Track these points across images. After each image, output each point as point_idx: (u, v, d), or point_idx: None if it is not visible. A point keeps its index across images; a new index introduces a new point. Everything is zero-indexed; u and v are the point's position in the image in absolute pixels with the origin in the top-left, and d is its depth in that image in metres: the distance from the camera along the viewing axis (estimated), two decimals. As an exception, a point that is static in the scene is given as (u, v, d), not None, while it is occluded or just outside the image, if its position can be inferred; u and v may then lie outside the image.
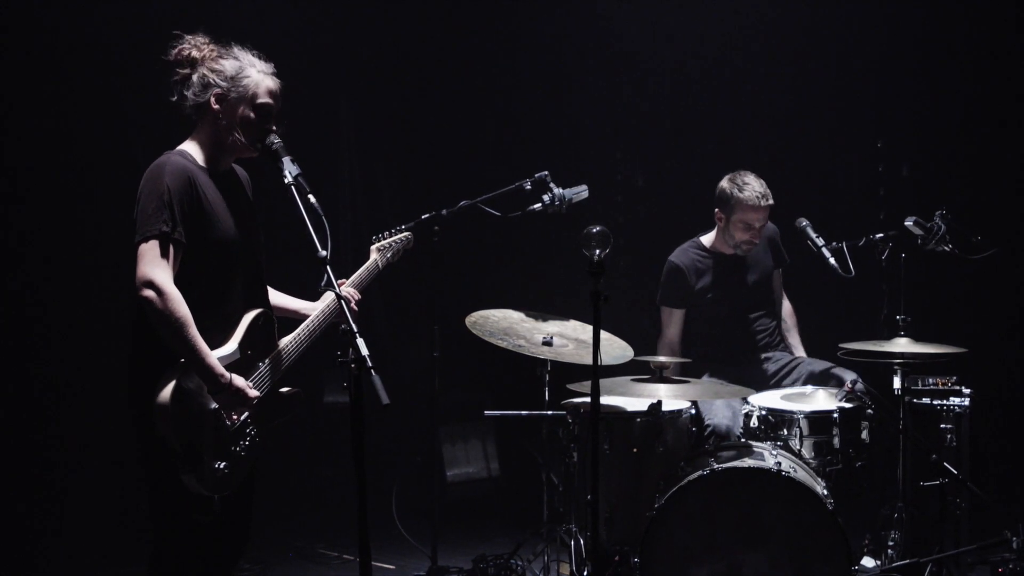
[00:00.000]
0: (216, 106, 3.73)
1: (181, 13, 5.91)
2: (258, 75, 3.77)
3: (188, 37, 3.78)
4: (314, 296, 4.01)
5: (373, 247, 4.42)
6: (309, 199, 3.61)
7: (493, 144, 7.31)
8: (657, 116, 7.20)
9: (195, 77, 3.73)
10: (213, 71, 3.73)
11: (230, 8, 6.32)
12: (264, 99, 3.77)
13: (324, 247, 3.51)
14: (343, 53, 7.19)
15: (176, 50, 3.77)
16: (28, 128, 5.97)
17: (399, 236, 4.52)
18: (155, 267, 3.50)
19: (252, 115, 3.75)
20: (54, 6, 5.96)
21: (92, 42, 6.01)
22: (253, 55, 3.83)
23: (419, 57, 7.33)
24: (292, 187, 3.64)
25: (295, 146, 3.79)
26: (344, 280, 4.11)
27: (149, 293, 3.48)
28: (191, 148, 3.76)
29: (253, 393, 3.66)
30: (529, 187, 5.20)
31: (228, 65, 3.75)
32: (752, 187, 5.50)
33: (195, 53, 3.75)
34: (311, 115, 6.85)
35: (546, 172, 5.21)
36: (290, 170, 3.67)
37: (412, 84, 7.35)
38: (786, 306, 5.91)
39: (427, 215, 5.18)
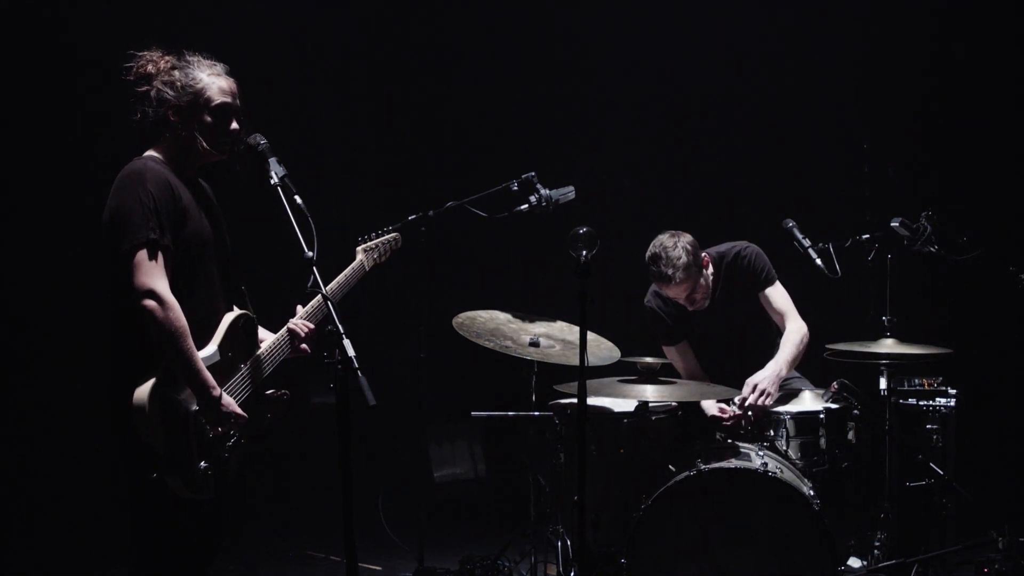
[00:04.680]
0: (174, 118, 3.72)
1: (173, 13, 5.94)
2: (208, 78, 3.75)
3: (144, 53, 3.77)
4: (294, 296, 4.00)
5: (359, 248, 4.40)
6: (295, 200, 3.62)
7: (480, 145, 7.31)
8: (644, 117, 7.21)
9: (152, 93, 3.73)
10: (165, 84, 3.71)
11: (219, 7, 6.31)
12: (219, 100, 3.74)
13: (310, 248, 3.53)
14: (329, 52, 7.18)
15: (133, 69, 3.76)
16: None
17: (386, 237, 4.50)
18: (153, 276, 3.49)
19: (209, 119, 3.73)
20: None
21: (86, 39, 5.99)
22: (204, 59, 3.80)
23: (406, 57, 7.33)
24: (278, 188, 3.65)
25: (280, 147, 3.79)
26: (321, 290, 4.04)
27: (150, 303, 3.48)
28: (159, 154, 3.74)
29: (240, 413, 3.65)
30: (516, 188, 5.19)
31: (178, 75, 3.73)
32: (659, 264, 5.05)
33: (150, 68, 3.74)
34: (297, 116, 6.84)
35: (533, 173, 5.21)
36: (276, 171, 3.69)
37: (400, 85, 7.34)
38: (791, 325, 5.25)
39: (414, 216, 5.17)
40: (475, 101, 7.37)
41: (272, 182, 3.67)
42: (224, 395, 3.61)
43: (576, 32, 7.26)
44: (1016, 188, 6.65)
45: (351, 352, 3.34)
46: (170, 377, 3.54)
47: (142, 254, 3.50)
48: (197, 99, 3.72)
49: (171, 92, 3.71)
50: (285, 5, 6.90)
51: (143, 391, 3.48)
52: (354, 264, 4.30)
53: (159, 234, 3.53)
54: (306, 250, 3.53)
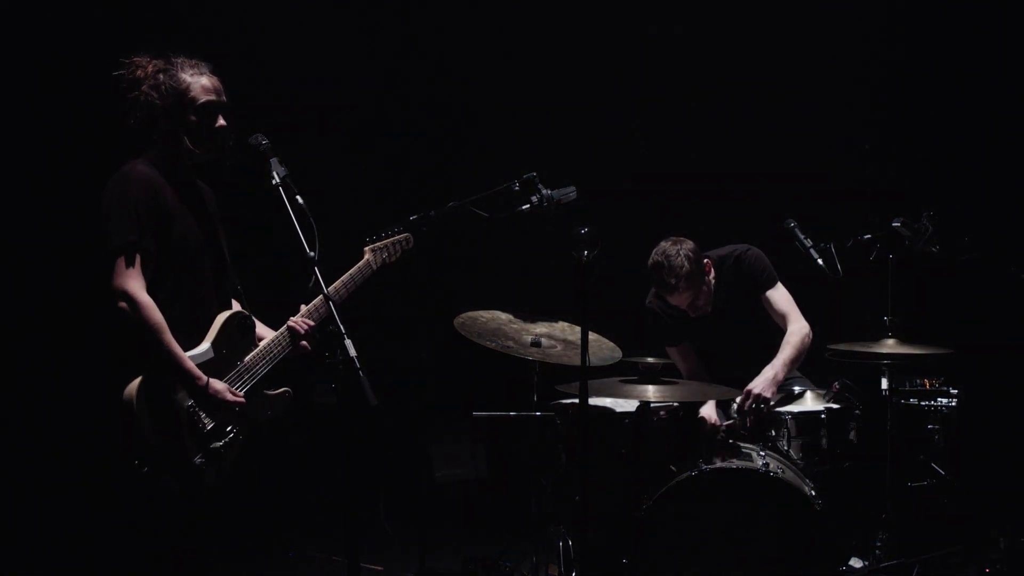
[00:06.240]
0: (162, 121, 3.79)
1: (172, 13, 5.94)
2: (190, 78, 3.81)
3: (133, 59, 3.84)
4: (300, 297, 4.02)
5: (367, 248, 4.40)
6: (297, 200, 3.66)
7: (481, 145, 7.31)
8: (645, 117, 7.20)
9: (141, 98, 3.79)
10: (152, 88, 3.79)
11: (221, 8, 6.33)
12: (203, 99, 3.80)
13: (312, 248, 3.57)
14: (330, 53, 7.18)
15: (123, 75, 3.82)
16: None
17: (396, 237, 4.49)
18: (127, 278, 3.59)
19: (194, 118, 3.79)
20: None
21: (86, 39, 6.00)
22: (189, 60, 3.86)
23: (407, 58, 7.33)
24: (280, 188, 3.69)
25: (281, 147, 3.81)
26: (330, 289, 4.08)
27: (123, 304, 3.59)
28: (151, 158, 3.81)
29: (235, 398, 3.72)
30: (517, 188, 5.18)
31: (163, 78, 3.79)
32: (662, 273, 5.09)
33: (139, 73, 3.81)
34: (298, 116, 6.84)
35: (534, 173, 5.20)
36: (277, 171, 3.74)
37: (401, 85, 7.34)
38: (792, 325, 5.25)
39: (415, 216, 5.16)
40: (477, 100, 7.37)
41: (273, 182, 3.71)
42: (213, 382, 3.67)
43: (578, 31, 7.25)
44: (1017, 188, 6.64)
45: (352, 352, 3.37)
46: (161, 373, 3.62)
47: (120, 257, 3.61)
48: (181, 100, 3.79)
49: (157, 95, 3.78)
50: (287, 5, 6.91)
51: (132, 387, 3.57)
52: (360, 263, 4.32)
53: (138, 236, 3.63)
54: (308, 250, 3.58)
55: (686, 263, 5.05)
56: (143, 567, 3.71)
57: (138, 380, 3.57)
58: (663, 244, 5.14)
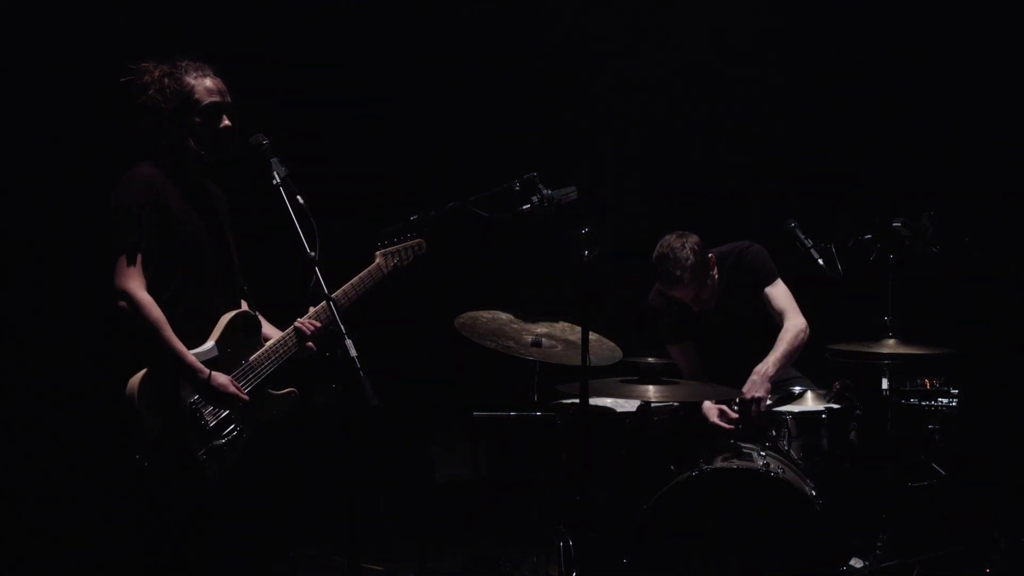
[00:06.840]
0: (167, 124, 3.82)
1: (171, 13, 5.94)
2: (195, 81, 3.84)
3: (140, 65, 3.86)
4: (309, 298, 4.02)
5: (378, 252, 4.39)
6: (297, 200, 3.67)
7: (482, 145, 7.31)
8: (645, 116, 7.21)
9: (148, 103, 3.82)
10: (157, 92, 3.82)
11: (224, 6, 6.34)
12: (207, 100, 3.83)
13: (312, 248, 3.59)
14: (331, 54, 7.18)
15: (132, 81, 3.85)
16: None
17: (409, 243, 4.46)
18: (126, 278, 3.63)
19: (199, 120, 3.82)
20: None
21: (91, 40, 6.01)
22: (193, 62, 3.89)
23: (407, 57, 7.32)
24: (280, 188, 3.71)
25: (282, 147, 3.82)
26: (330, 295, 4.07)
27: (123, 304, 3.63)
28: (157, 160, 3.85)
29: (238, 393, 3.74)
30: (518, 188, 5.18)
31: (169, 82, 3.82)
32: (667, 266, 5.09)
33: (146, 78, 3.84)
34: (299, 116, 6.84)
35: (534, 173, 5.20)
36: (278, 171, 3.76)
37: (401, 84, 7.34)
38: (788, 322, 5.22)
39: (415, 216, 5.16)
40: (477, 100, 7.37)
41: (274, 182, 3.73)
42: (216, 375, 3.70)
43: (578, 32, 7.25)
44: (1017, 188, 6.64)
45: (353, 352, 3.39)
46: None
47: (121, 257, 3.65)
48: (186, 102, 3.82)
49: (162, 99, 3.81)
50: (288, 4, 6.91)
51: (134, 382, 3.60)
52: (371, 267, 4.30)
53: (139, 237, 3.66)
54: (308, 250, 3.60)
55: (691, 256, 5.06)
56: (144, 564, 3.72)
57: (140, 375, 3.60)
58: (668, 237, 5.16)
